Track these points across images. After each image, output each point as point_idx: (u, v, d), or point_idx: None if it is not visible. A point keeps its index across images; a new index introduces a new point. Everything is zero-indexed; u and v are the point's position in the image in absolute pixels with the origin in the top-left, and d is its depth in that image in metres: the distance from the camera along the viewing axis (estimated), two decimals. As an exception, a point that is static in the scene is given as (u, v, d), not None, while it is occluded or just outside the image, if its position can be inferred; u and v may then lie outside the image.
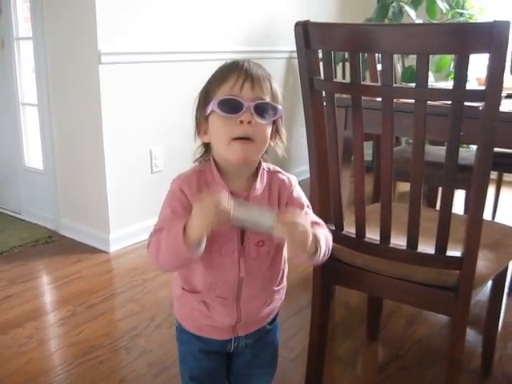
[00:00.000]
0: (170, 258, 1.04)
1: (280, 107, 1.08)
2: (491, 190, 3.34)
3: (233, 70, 1.06)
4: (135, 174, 2.92)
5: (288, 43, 3.64)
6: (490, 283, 1.76)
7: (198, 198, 1.01)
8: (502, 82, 1.10)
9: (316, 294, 1.56)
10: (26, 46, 3.11)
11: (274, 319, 1.27)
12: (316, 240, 1.04)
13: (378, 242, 1.38)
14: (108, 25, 2.66)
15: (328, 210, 1.49)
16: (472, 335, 2.08)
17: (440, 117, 1.26)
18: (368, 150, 3.92)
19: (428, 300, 1.39)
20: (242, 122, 1.03)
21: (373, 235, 1.42)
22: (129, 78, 2.80)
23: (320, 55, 1.37)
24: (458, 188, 2.75)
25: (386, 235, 1.36)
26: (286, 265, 1.20)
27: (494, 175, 3.52)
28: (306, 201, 1.17)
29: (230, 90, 1.04)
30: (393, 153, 1.32)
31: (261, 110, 1.04)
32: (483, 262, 1.40)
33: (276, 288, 1.19)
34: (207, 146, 1.15)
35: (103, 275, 2.61)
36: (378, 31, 1.23)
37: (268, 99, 1.06)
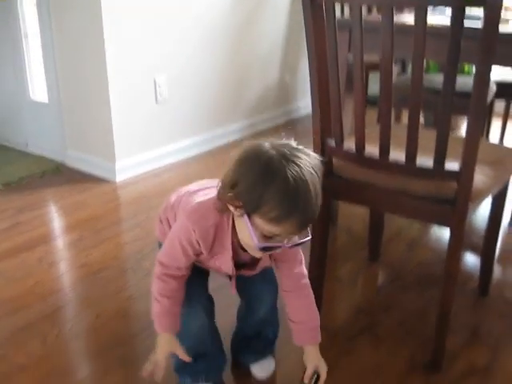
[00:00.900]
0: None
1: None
2: (498, 123, 3.34)
3: (293, 213, 1.03)
4: (140, 103, 2.91)
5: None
6: (489, 206, 1.79)
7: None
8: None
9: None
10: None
11: None
12: None
13: (378, 157, 1.40)
14: None
15: (328, 125, 1.51)
16: (471, 261, 2.13)
17: (442, 38, 1.25)
18: (375, 84, 3.86)
19: (426, 212, 1.42)
20: None
21: (373, 151, 1.44)
22: (132, 2, 2.76)
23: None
24: (462, 114, 2.75)
25: (385, 149, 1.38)
26: None
27: (501, 107, 3.49)
28: (300, 255, 1.32)
29: (278, 230, 1.07)
30: (393, 73, 1.33)
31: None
32: (481, 177, 1.42)
33: None
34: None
35: (110, 203, 2.66)
36: None
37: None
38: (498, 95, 2.78)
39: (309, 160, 1.06)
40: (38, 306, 1.83)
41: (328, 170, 1.54)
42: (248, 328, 1.51)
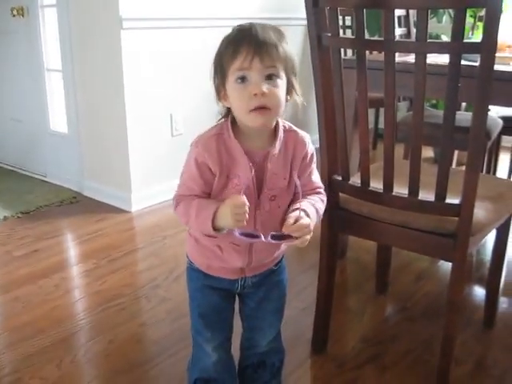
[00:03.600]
0: (198, 230, 1.27)
1: (283, 75, 1.16)
2: (506, 157, 3.39)
3: (242, 43, 1.12)
4: (156, 137, 3.02)
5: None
6: (493, 238, 1.84)
7: (219, 164, 1.19)
8: (497, 34, 1.16)
9: (324, 243, 1.64)
10: (50, 14, 3.20)
11: (280, 261, 1.36)
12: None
13: (382, 191, 1.46)
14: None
15: (335, 161, 1.57)
16: (477, 293, 2.16)
17: (442, 76, 1.31)
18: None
19: (429, 246, 1.47)
20: (255, 94, 1.12)
21: (377, 186, 1.50)
22: (150, 43, 2.89)
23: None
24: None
25: (388, 183, 1.44)
26: None
27: (509, 142, 3.55)
28: (315, 158, 1.29)
29: (240, 64, 1.12)
30: (396, 109, 1.39)
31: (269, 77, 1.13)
32: (482, 212, 1.47)
33: None
34: (229, 108, 1.23)
35: (125, 232, 2.73)
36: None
37: (279, 65, 1.14)
38: (505, 130, 2.84)
39: None
40: (53, 331, 1.89)
41: (335, 203, 1.61)
42: (252, 357, 1.50)
